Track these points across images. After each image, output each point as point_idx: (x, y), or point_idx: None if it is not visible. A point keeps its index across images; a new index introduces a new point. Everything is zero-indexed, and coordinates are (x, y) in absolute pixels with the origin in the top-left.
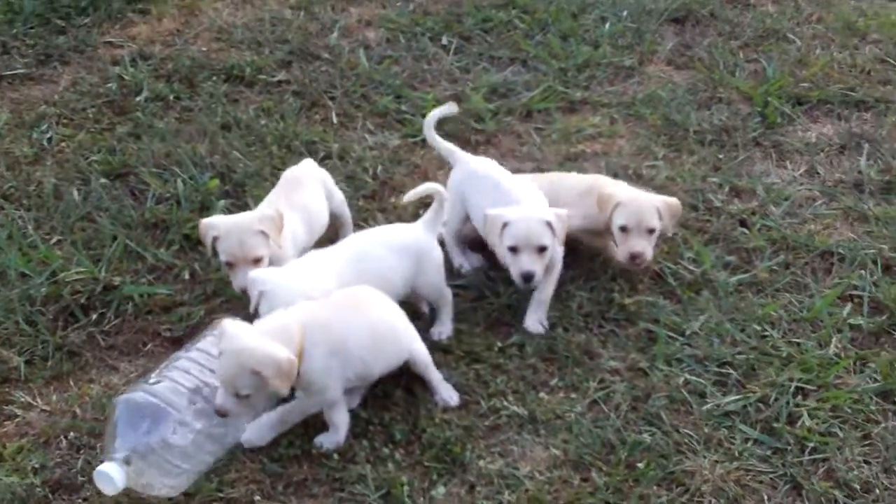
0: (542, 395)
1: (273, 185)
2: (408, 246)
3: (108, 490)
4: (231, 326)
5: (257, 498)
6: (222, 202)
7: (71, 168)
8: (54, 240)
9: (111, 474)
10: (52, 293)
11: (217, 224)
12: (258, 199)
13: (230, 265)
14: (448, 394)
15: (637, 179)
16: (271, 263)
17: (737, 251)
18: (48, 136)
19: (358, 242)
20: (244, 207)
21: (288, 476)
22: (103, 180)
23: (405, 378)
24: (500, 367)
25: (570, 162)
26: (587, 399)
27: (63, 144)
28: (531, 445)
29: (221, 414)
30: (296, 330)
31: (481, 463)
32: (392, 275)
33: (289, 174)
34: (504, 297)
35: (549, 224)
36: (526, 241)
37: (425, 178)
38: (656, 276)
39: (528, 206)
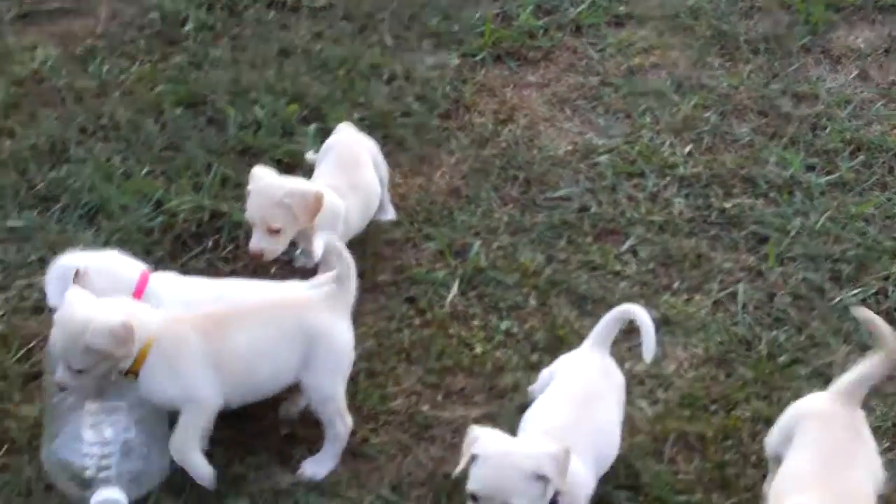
0: (665, 297)
1: (346, 109)
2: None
3: None
4: (70, 296)
5: (425, 407)
6: (313, 126)
7: (139, 99)
8: (144, 171)
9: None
10: (166, 223)
11: (257, 177)
12: (337, 122)
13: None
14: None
15: (700, 89)
16: (300, 241)
17: (816, 154)
18: (105, 68)
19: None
20: (327, 133)
21: (446, 386)
22: (178, 110)
23: (537, 292)
24: (619, 273)
25: (633, 75)
26: (711, 300)
27: (123, 77)
28: (670, 346)
29: (62, 388)
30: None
31: (627, 365)
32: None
33: (343, 149)
34: (607, 206)
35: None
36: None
37: (493, 97)
38: (746, 180)
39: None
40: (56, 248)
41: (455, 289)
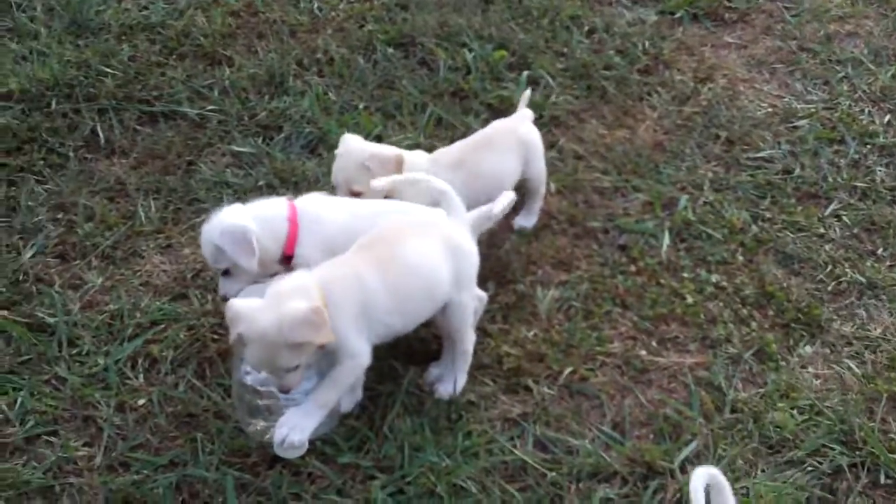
0: (870, 262)
1: (550, 58)
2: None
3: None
4: (241, 307)
5: (643, 352)
6: (525, 73)
7: (350, 37)
8: (361, 106)
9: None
10: None
11: (345, 140)
12: (543, 70)
13: (335, 185)
14: (448, 387)
15: None
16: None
17: None
18: (315, 4)
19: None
20: (535, 81)
21: (660, 333)
22: (389, 49)
23: (743, 249)
24: (824, 236)
25: (830, 41)
26: None
27: (334, 14)
28: (876, 310)
29: (286, 390)
30: (314, 290)
31: (835, 325)
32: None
33: (488, 129)
34: (809, 170)
35: None
36: None
37: (692, 55)
38: None
39: None
40: (282, 175)
41: (667, 239)
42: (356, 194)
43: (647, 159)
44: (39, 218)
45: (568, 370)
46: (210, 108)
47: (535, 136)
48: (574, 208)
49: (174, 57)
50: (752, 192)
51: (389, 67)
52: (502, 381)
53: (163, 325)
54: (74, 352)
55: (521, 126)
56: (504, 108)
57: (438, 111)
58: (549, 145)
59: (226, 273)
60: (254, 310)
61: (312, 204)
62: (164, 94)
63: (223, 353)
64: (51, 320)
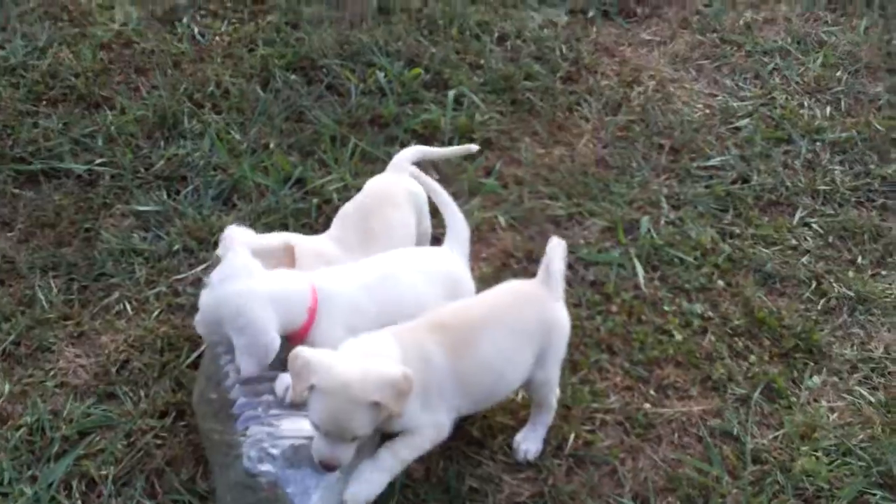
0: (851, 273)
1: (466, 72)
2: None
3: None
4: (317, 355)
5: (646, 405)
6: (451, 95)
7: (243, 64)
8: (272, 144)
9: None
10: (321, 203)
11: (229, 235)
12: (461, 86)
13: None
14: (530, 446)
15: (821, 46)
16: None
17: None
18: (196, 30)
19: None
20: (456, 101)
21: (656, 379)
22: (291, 75)
23: (719, 271)
24: (797, 248)
25: (751, 31)
26: None
27: (218, 39)
28: (872, 326)
29: (331, 467)
30: (395, 349)
31: (835, 349)
32: None
33: (368, 191)
34: (765, 175)
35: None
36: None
37: (612, 57)
38: None
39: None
40: (197, 235)
41: (640, 270)
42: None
43: (594, 178)
44: None
45: (571, 437)
46: (98, 161)
47: (418, 186)
48: (530, 242)
49: (44, 103)
50: (713, 205)
51: (293, 96)
52: (501, 457)
53: (94, 435)
54: None
55: (405, 179)
56: (430, 134)
57: (361, 144)
58: (486, 172)
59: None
60: (334, 361)
61: (326, 281)
62: (41, 149)
63: (173, 461)
64: None
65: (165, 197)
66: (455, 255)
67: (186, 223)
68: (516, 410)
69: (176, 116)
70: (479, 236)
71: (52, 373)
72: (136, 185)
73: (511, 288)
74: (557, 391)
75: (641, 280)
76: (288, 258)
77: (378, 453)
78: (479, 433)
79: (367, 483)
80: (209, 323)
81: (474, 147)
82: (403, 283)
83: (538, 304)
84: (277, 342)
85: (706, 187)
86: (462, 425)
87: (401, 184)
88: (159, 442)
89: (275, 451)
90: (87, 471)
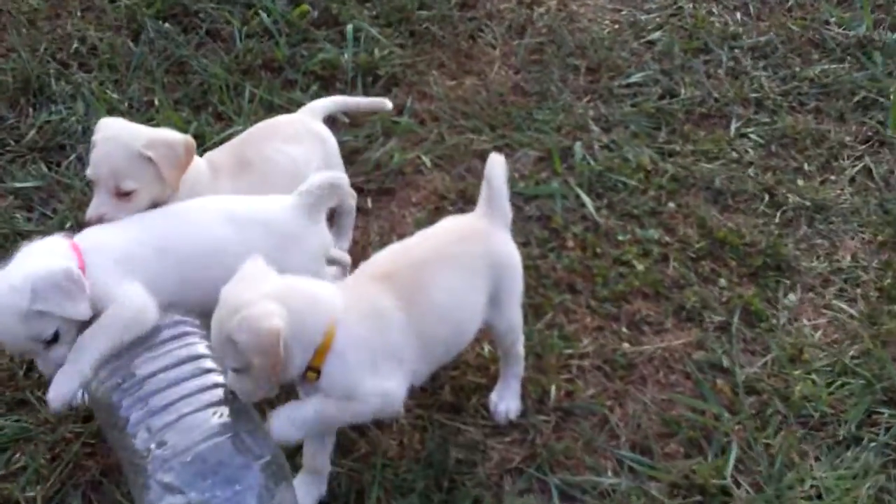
0: (801, 181)
1: (356, 6)
2: None
3: None
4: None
5: (624, 344)
6: (350, 29)
7: (107, 17)
8: (156, 100)
9: None
10: None
11: (106, 126)
12: (353, 22)
13: (92, 183)
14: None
15: None
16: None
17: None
18: None
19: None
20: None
21: (627, 315)
22: (166, 25)
23: (666, 192)
24: (741, 160)
25: None
26: (846, 178)
27: None
28: (835, 235)
29: (230, 393)
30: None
31: (804, 263)
32: None
33: (262, 125)
34: (690, 88)
35: None
36: None
37: None
38: (815, 45)
39: None
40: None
41: (587, 200)
42: (125, 195)
43: (514, 107)
44: None
45: (552, 389)
46: None
47: (327, 132)
48: (462, 182)
49: None
50: (645, 124)
51: (170, 46)
52: (481, 420)
53: (10, 452)
54: None
55: (309, 120)
56: (331, 74)
57: (258, 91)
58: (398, 110)
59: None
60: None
61: (89, 236)
62: None
63: (108, 470)
64: None
65: (45, 170)
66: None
67: (75, 196)
68: (485, 367)
69: (41, 79)
70: (406, 180)
71: None
72: (8, 160)
73: (450, 224)
74: (522, 338)
75: (592, 210)
76: (188, 154)
77: (307, 400)
78: (452, 397)
79: (289, 426)
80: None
81: (388, 104)
82: (196, 226)
83: (482, 238)
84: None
85: (633, 105)
86: (430, 390)
87: (304, 123)
88: (89, 450)
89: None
90: (11, 494)
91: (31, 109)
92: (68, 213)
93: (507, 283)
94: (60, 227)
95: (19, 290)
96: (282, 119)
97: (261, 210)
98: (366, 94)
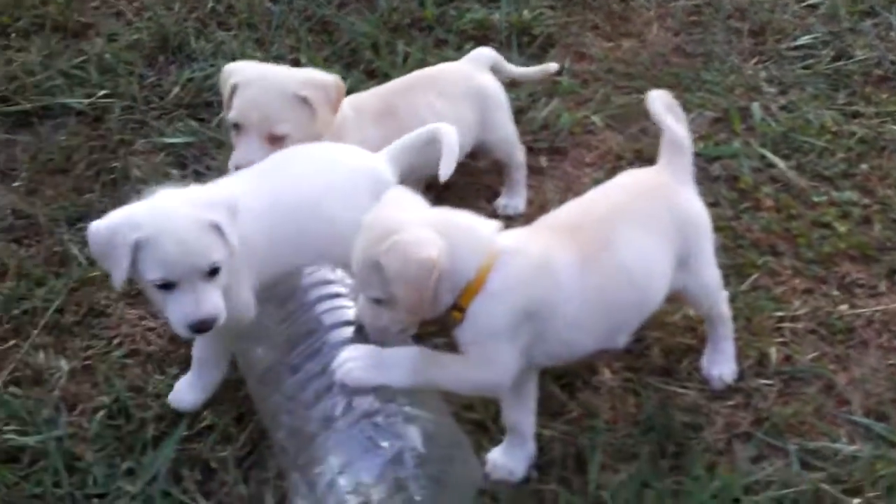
0: None
1: None
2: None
3: None
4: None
5: (842, 307)
6: None
7: None
8: (303, 59)
9: None
10: None
11: (241, 70)
12: None
13: (238, 127)
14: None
15: None
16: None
17: None
18: None
19: None
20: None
21: (835, 278)
22: None
23: (855, 154)
24: None
25: None
26: None
27: None
28: None
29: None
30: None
31: None
32: None
33: (430, 70)
34: (863, 50)
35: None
36: None
37: None
38: None
39: None
40: None
41: (776, 159)
42: (278, 140)
43: (680, 67)
44: None
45: (772, 353)
46: (101, 94)
47: (495, 84)
48: (637, 142)
49: (13, 35)
50: (822, 85)
51: (311, 6)
52: (696, 384)
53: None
54: (79, 481)
55: (475, 72)
56: (483, 34)
57: (411, 49)
58: (558, 71)
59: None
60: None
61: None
62: (25, 86)
63: None
64: (24, 441)
65: (196, 126)
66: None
67: (228, 152)
68: (692, 328)
69: (179, 37)
70: (576, 140)
71: (116, 341)
72: (155, 116)
73: (631, 179)
74: (724, 298)
75: (784, 168)
76: (339, 96)
77: (414, 349)
78: (662, 359)
79: (371, 368)
80: (361, 256)
81: (553, 66)
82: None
83: (668, 194)
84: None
85: (805, 68)
86: (637, 351)
87: (467, 78)
88: None
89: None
90: (199, 454)
91: (171, 67)
92: (223, 170)
93: (697, 243)
94: None
95: (214, 205)
96: (445, 70)
97: (363, 160)
98: (521, 54)
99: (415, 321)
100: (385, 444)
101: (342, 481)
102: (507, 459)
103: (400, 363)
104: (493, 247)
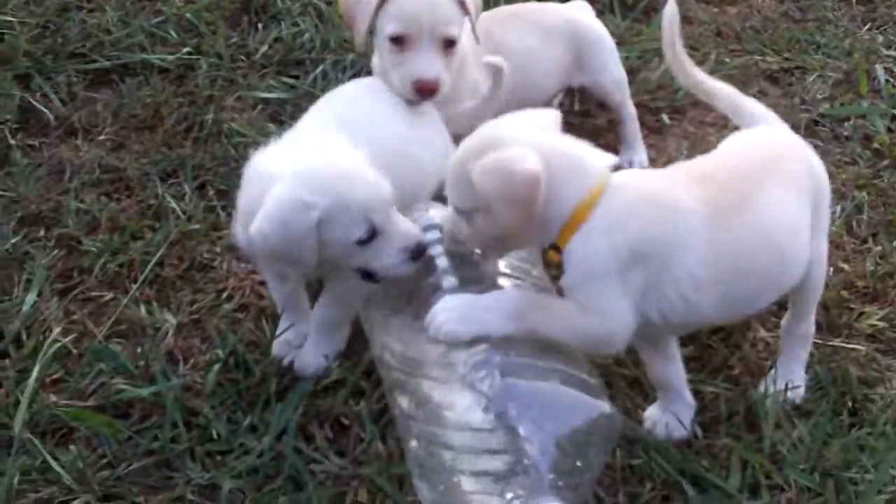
0: None
1: None
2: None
3: None
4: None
5: None
6: None
7: None
8: None
9: None
10: None
11: None
12: None
13: (401, 41)
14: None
15: None
16: None
17: None
18: None
19: None
20: None
21: None
22: None
23: None
24: None
25: None
26: None
27: None
28: None
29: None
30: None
31: None
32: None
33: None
34: None
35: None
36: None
37: None
38: None
39: None
40: None
41: None
42: (450, 47)
43: (793, 30)
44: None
45: None
46: (185, 51)
47: (596, 25)
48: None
49: None
50: None
51: None
52: (861, 338)
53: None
54: (198, 436)
55: (576, 11)
56: None
57: None
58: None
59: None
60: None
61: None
62: (103, 43)
63: None
64: (137, 393)
65: (293, 81)
66: None
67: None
68: (852, 283)
69: None
70: (693, 99)
71: (225, 294)
72: (243, 73)
73: (761, 136)
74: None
75: None
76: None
77: (512, 290)
78: (822, 315)
79: (465, 319)
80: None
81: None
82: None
83: (806, 154)
84: None
85: None
86: None
87: (561, 11)
88: None
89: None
90: (329, 410)
91: (256, 28)
92: None
93: (823, 209)
94: None
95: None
96: (545, 7)
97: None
98: (623, 18)
99: (502, 249)
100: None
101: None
102: (667, 416)
103: (496, 307)
104: (602, 181)
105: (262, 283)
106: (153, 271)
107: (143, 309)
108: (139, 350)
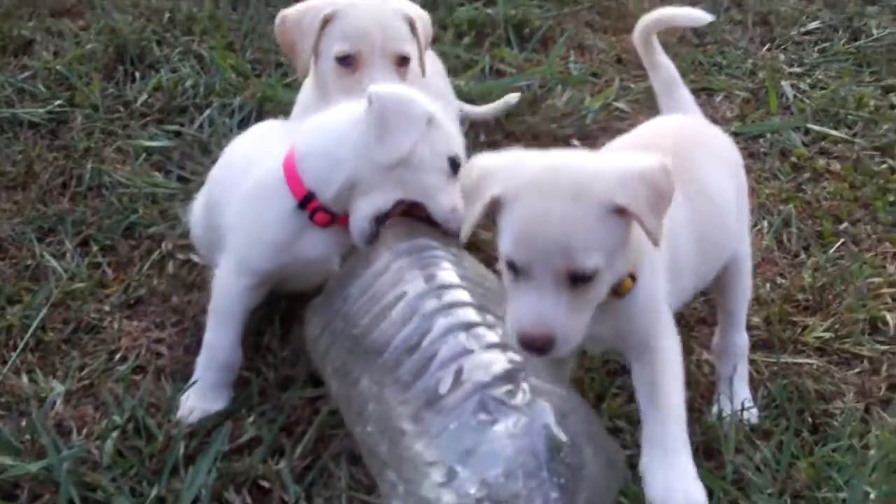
0: None
1: None
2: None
3: None
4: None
5: None
6: None
7: None
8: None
9: None
10: None
11: (329, 1)
12: None
13: (349, 61)
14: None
15: None
16: None
17: None
18: None
19: None
20: None
21: None
22: None
23: None
24: None
25: None
26: None
27: None
28: None
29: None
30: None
31: None
32: None
33: None
34: None
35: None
36: None
37: None
38: None
39: None
40: None
41: (831, 130)
42: (403, 64)
43: (694, 53)
44: None
45: (886, 316)
46: (57, 104)
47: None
48: None
49: None
50: (845, 64)
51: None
52: (811, 352)
53: (230, 422)
54: None
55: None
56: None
57: None
58: (564, 62)
59: None
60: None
61: None
62: None
63: None
64: (25, 469)
65: (178, 128)
66: None
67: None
68: (792, 296)
69: (140, 47)
70: (602, 125)
71: (118, 356)
72: (121, 125)
73: (689, 118)
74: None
75: (840, 137)
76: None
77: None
78: (764, 332)
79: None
80: None
81: (514, 97)
82: None
83: (724, 138)
84: None
85: (821, 51)
86: None
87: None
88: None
89: None
90: (246, 472)
91: (133, 77)
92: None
93: (743, 200)
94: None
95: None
96: None
97: None
98: (521, 49)
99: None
100: (509, 421)
101: (461, 471)
102: None
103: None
104: None
105: (159, 341)
106: (34, 336)
107: (24, 378)
108: (23, 423)
